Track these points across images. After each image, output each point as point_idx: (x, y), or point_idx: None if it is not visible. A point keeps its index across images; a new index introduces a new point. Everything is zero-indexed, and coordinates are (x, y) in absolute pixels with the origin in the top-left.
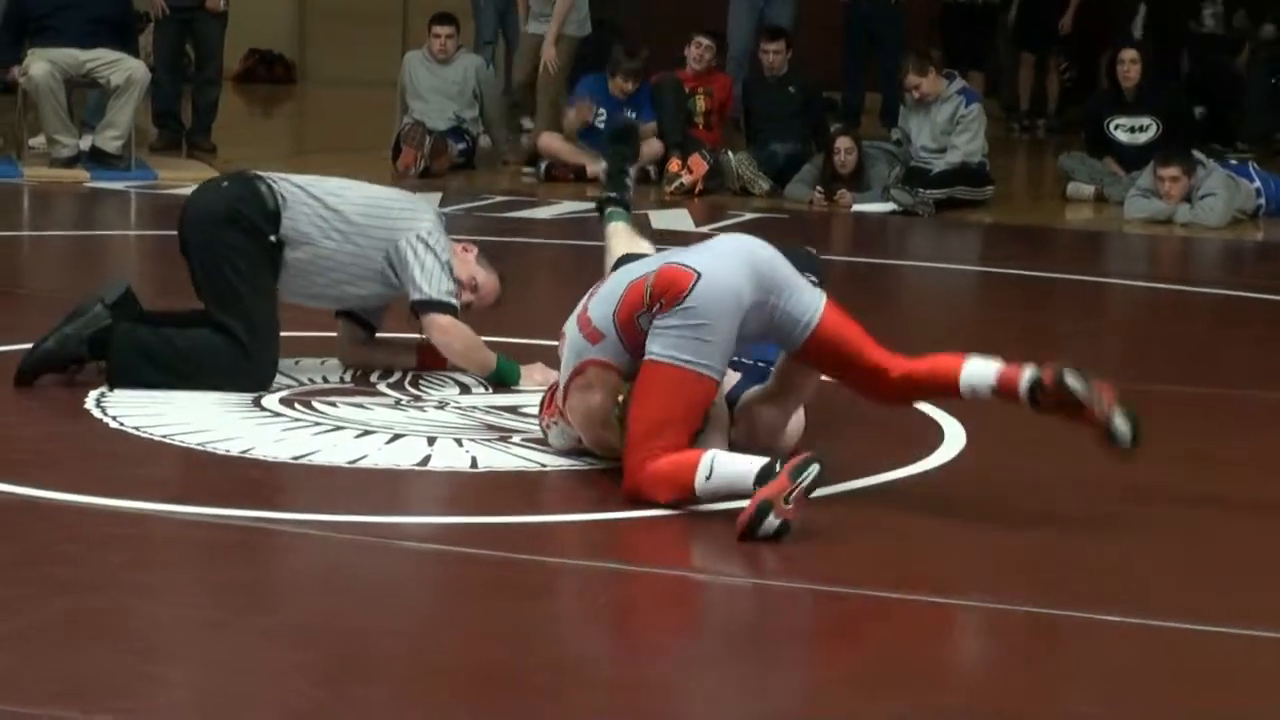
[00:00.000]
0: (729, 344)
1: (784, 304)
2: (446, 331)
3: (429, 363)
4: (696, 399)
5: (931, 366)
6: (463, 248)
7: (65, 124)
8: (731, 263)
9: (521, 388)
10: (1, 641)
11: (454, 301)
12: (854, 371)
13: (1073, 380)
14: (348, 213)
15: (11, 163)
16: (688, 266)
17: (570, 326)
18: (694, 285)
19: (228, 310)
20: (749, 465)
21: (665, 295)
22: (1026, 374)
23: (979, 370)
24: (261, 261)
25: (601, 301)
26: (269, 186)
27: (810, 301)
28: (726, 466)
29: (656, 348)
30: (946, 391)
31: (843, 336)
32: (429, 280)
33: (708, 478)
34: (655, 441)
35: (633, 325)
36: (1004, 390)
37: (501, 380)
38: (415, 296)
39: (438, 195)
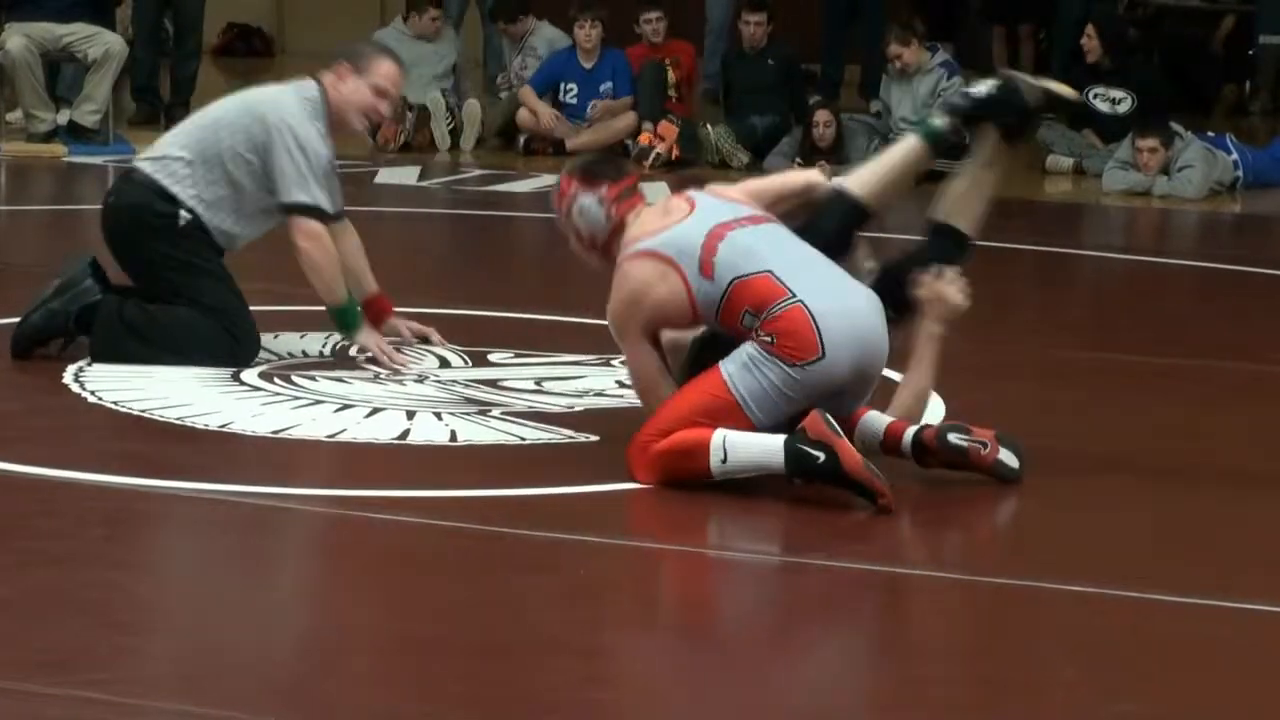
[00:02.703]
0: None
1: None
2: (313, 238)
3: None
4: (733, 426)
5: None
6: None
7: (42, 99)
8: (847, 354)
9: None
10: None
11: (328, 208)
12: None
13: (955, 438)
14: (220, 144)
15: None
16: (817, 332)
17: (709, 204)
18: (810, 364)
19: (195, 305)
20: (770, 439)
21: (784, 344)
22: (909, 432)
23: (871, 423)
24: (195, 247)
25: (743, 254)
26: (148, 176)
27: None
28: (743, 441)
29: (736, 372)
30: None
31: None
32: (302, 182)
33: (723, 461)
34: (675, 428)
35: (736, 316)
36: (889, 443)
37: (341, 319)
38: (285, 199)
39: (418, 169)
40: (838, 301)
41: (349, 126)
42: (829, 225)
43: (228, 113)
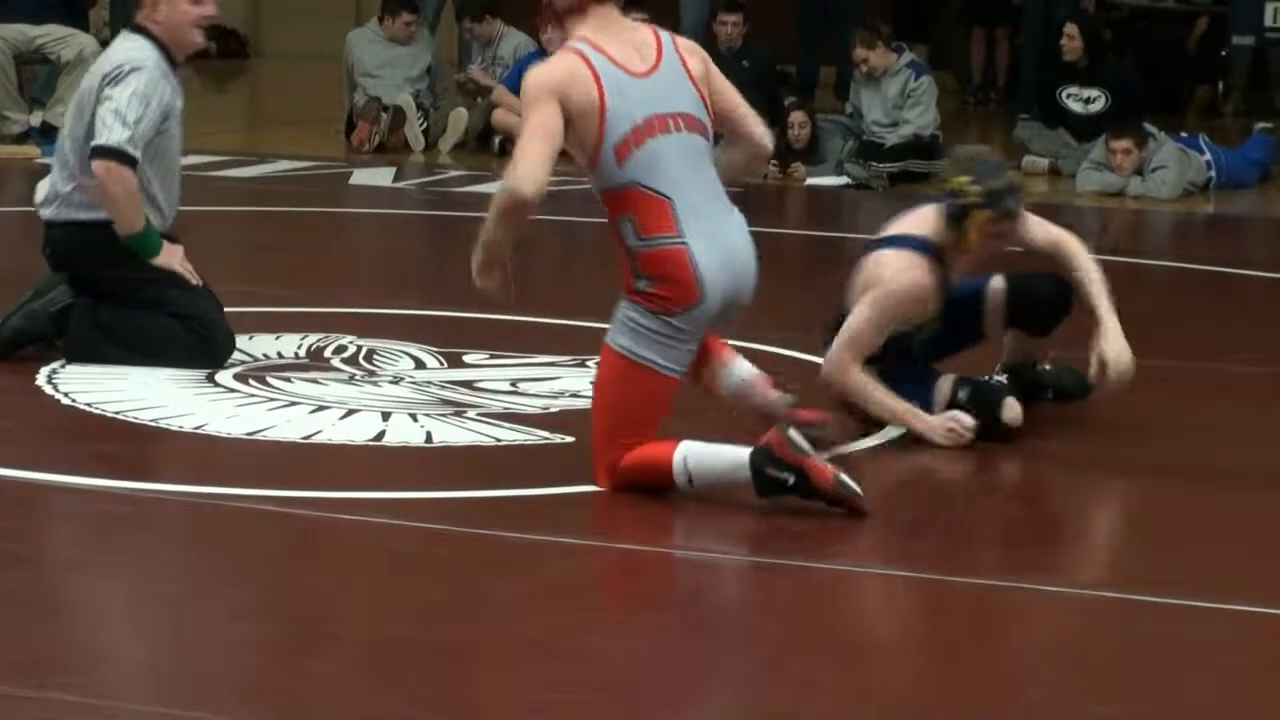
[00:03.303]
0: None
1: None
2: (108, 173)
3: None
4: (665, 399)
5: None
6: None
7: (15, 100)
8: (721, 291)
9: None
10: None
11: (129, 150)
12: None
13: (796, 436)
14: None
15: None
16: (696, 277)
17: (668, 75)
18: (689, 309)
19: (166, 310)
20: (734, 456)
21: (661, 292)
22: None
23: (734, 374)
24: (129, 258)
25: (659, 166)
26: (57, 219)
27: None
28: (706, 463)
29: (627, 343)
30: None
31: None
32: (105, 127)
33: (689, 483)
34: (621, 440)
35: (621, 212)
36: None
37: (142, 246)
38: (94, 142)
39: (393, 170)
40: (718, 243)
41: (191, 45)
42: None
43: (69, 118)
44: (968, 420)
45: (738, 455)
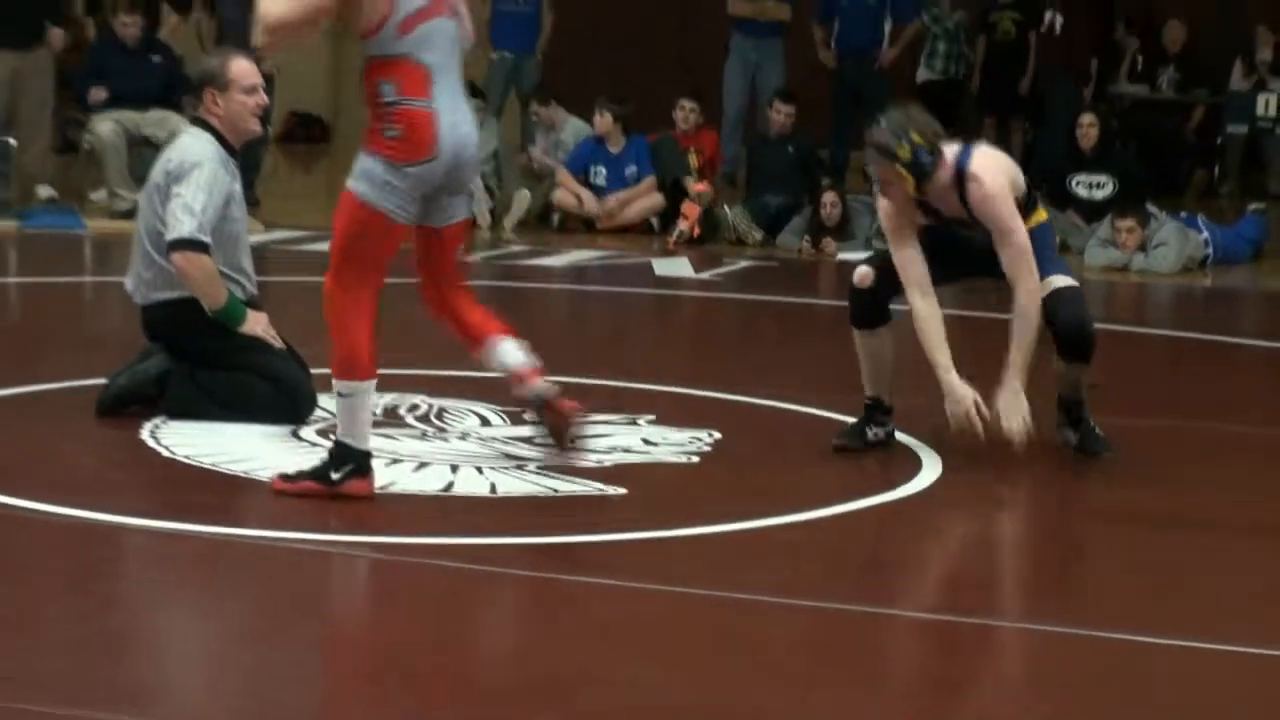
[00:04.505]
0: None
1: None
2: (186, 262)
3: None
4: (391, 240)
5: (480, 322)
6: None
7: (125, 179)
8: (450, 157)
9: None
10: (62, 649)
11: (200, 238)
12: (433, 272)
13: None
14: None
15: (74, 214)
16: (436, 137)
17: None
18: (421, 163)
19: (256, 373)
20: (361, 435)
21: (402, 143)
22: (532, 386)
23: (503, 355)
24: (216, 328)
25: (430, 43)
26: (148, 302)
27: (454, 210)
28: (356, 413)
29: (365, 190)
30: (469, 345)
31: (454, 254)
32: (176, 222)
33: (346, 395)
34: (350, 273)
35: (383, 74)
36: (516, 380)
37: (227, 317)
38: (168, 237)
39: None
40: (454, 117)
41: (249, 133)
42: None
43: (142, 210)
44: (982, 417)
45: (361, 444)
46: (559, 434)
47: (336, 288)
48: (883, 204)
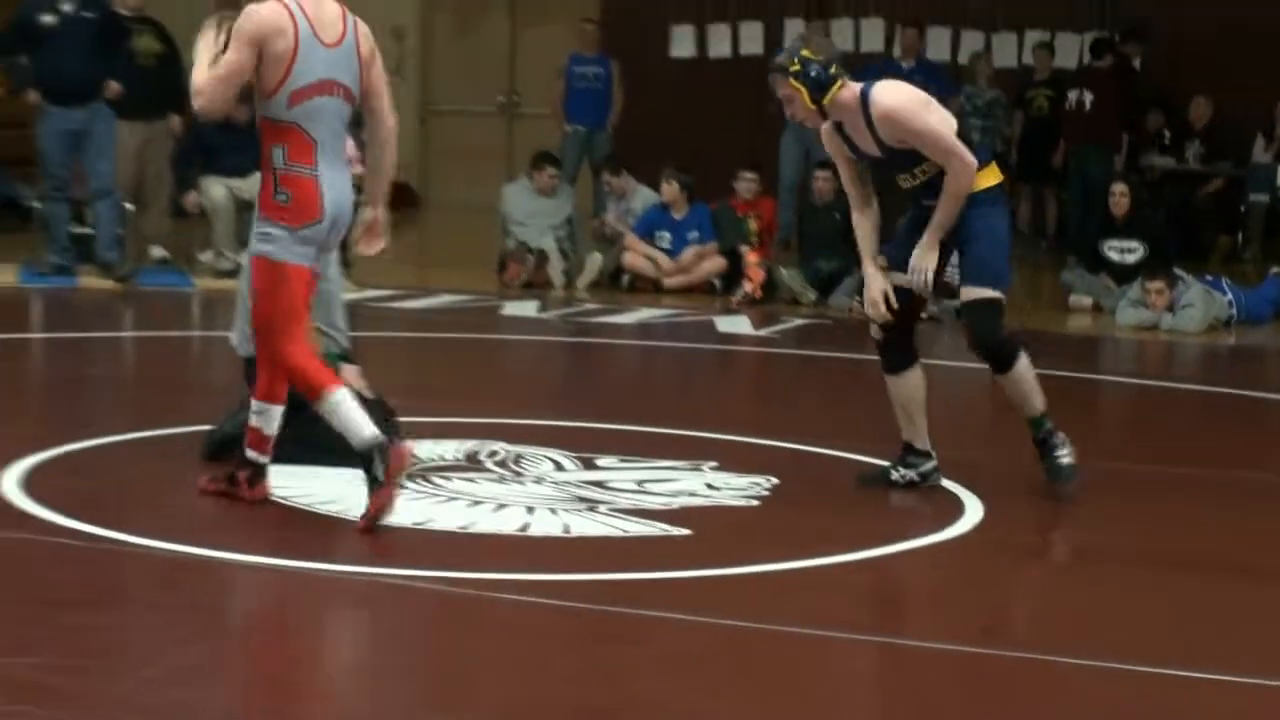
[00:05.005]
0: None
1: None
2: None
3: None
4: (301, 290)
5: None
6: None
7: (231, 241)
8: (330, 220)
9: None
10: (176, 675)
11: None
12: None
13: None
14: None
15: (183, 274)
16: (321, 203)
17: (343, 52)
18: (310, 225)
19: None
20: (363, 425)
21: (291, 209)
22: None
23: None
24: None
25: (318, 118)
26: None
27: (322, 262)
28: (349, 412)
29: (269, 249)
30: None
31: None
32: None
33: (333, 407)
34: (277, 330)
35: (274, 140)
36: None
37: None
38: None
39: (537, 303)
40: (335, 184)
41: None
42: None
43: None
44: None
45: (369, 434)
46: (227, 494)
47: (268, 346)
48: (823, 129)
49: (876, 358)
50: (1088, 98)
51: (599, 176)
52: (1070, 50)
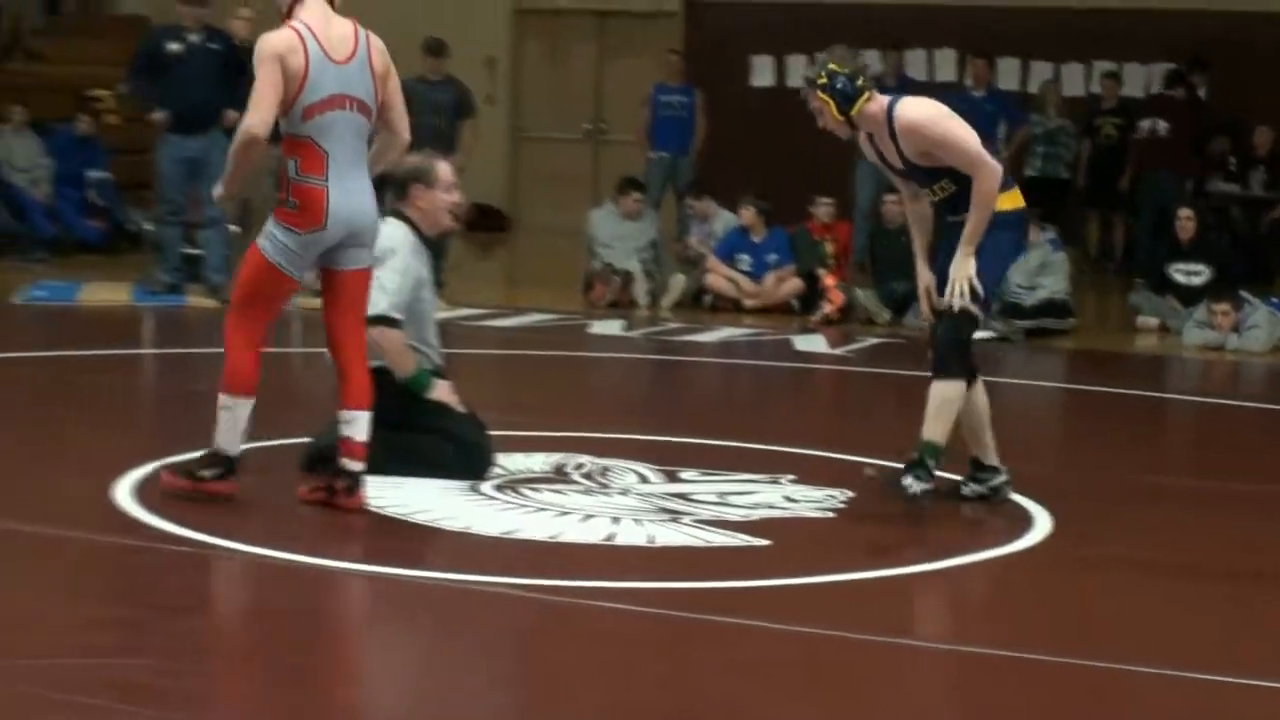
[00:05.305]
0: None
1: (354, 248)
2: (380, 336)
3: None
4: (281, 292)
5: (354, 389)
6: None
7: None
8: (340, 229)
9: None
10: (279, 677)
11: (393, 315)
12: (332, 309)
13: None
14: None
15: None
16: (326, 211)
17: (356, 68)
18: (312, 231)
19: (441, 434)
20: (232, 442)
21: (298, 214)
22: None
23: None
24: (406, 394)
25: (331, 131)
26: None
27: (355, 259)
28: (234, 424)
29: (266, 246)
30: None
31: (354, 295)
32: (373, 302)
33: (227, 408)
34: (246, 311)
35: (292, 153)
36: (341, 447)
37: (416, 385)
38: (367, 313)
39: (622, 322)
40: (348, 195)
41: (443, 227)
42: None
43: None
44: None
45: (230, 446)
46: (327, 503)
47: (234, 318)
48: (861, 138)
49: None
50: (1161, 126)
51: (682, 201)
52: (1136, 80)
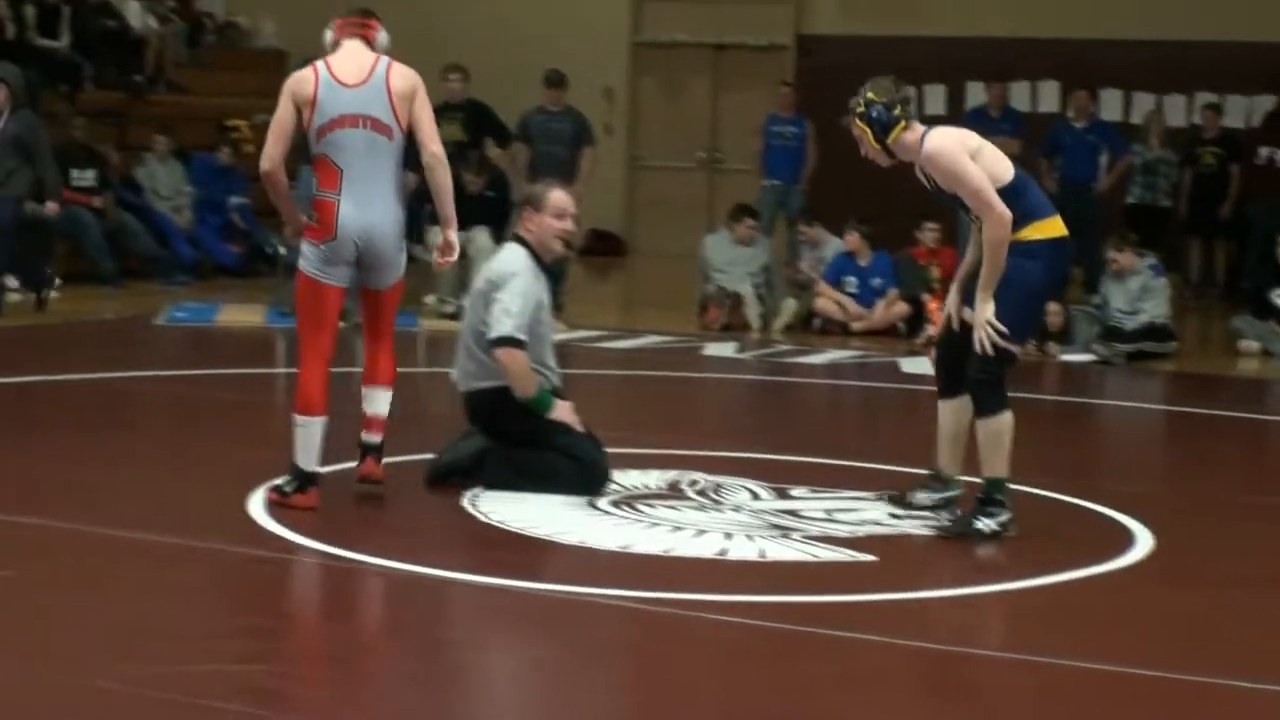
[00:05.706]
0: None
1: (377, 270)
2: (506, 356)
3: None
4: (328, 301)
5: (379, 369)
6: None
7: (453, 287)
8: (351, 240)
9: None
10: (403, 684)
11: (517, 336)
12: (367, 323)
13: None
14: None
15: (410, 315)
16: (336, 223)
17: (373, 89)
18: (326, 242)
19: (559, 451)
20: (308, 458)
21: (315, 227)
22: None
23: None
24: (527, 413)
25: (343, 147)
26: (474, 390)
27: (387, 279)
28: (307, 441)
29: (304, 265)
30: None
31: (386, 309)
32: (497, 323)
33: (300, 426)
34: (304, 328)
35: (312, 168)
36: (364, 423)
37: (537, 404)
38: (490, 335)
39: (735, 344)
40: (361, 207)
41: (553, 252)
42: None
43: (468, 309)
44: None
45: (307, 461)
46: (360, 479)
47: (300, 339)
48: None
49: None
50: (1278, 155)
51: (793, 227)
52: (1237, 111)
